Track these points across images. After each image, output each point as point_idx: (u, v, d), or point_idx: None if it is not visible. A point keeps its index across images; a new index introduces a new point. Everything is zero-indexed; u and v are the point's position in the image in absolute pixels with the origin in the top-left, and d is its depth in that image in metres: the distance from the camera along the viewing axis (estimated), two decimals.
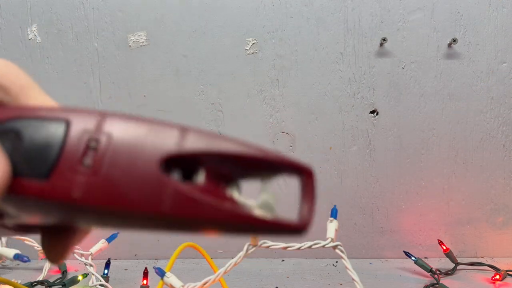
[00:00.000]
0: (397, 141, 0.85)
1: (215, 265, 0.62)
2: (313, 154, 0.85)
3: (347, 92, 0.85)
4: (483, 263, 0.79)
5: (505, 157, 0.85)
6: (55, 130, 0.16)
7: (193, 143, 0.16)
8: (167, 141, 0.16)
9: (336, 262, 0.84)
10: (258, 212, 0.16)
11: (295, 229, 0.16)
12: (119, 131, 0.16)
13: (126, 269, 0.81)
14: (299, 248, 0.55)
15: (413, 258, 0.75)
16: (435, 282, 0.70)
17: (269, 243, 0.55)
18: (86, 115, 0.17)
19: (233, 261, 0.54)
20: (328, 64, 0.84)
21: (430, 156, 0.85)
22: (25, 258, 0.61)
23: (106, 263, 0.72)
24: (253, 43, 0.84)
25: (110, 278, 0.72)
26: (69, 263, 0.78)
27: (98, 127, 0.16)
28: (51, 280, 0.70)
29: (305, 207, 0.17)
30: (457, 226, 0.87)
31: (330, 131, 0.85)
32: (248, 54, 0.84)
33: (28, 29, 0.84)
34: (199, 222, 0.16)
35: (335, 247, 0.55)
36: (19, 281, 0.68)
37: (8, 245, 0.69)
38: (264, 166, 0.17)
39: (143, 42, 0.84)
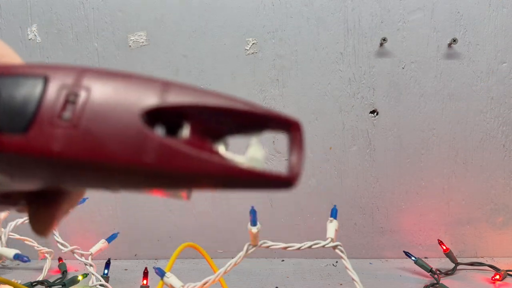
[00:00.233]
0: (397, 141, 0.85)
1: (215, 265, 0.62)
2: (313, 154, 0.85)
3: (347, 92, 0.85)
4: (483, 263, 0.79)
5: (505, 157, 0.85)
6: (33, 86, 0.16)
7: (177, 96, 0.16)
8: (149, 94, 0.16)
9: (336, 262, 0.84)
10: (246, 165, 0.16)
11: (284, 181, 0.16)
12: (100, 85, 0.16)
13: (126, 269, 0.81)
14: (299, 248, 0.55)
15: (413, 258, 0.75)
16: (435, 282, 0.70)
17: (269, 243, 0.55)
18: (65, 70, 0.16)
19: (233, 261, 0.54)
20: (328, 64, 0.84)
21: (430, 156, 0.85)
22: (25, 258, 0.61)
23: (106, 263, 0.72)
24: (253, 43, 0.84)
25: (110, 278, 0.72)
26: (69, 263, 0.78)
27: (77, 82, 0.16)
28: (51, 280, 0.70)
29: (294, 160, 0.16)
30: (457, 226, 0.87)
31: (330, 131, 0.85)
32: (248, 54, 0.84)
33: (28, 29, 0.84)
34: (184, 175, 0.15)
35: (335, 247, 0.55)
36: (19, 281, 0.68)
37: (8, 245, 0.69)
38: (251, 120, 0.17)
39: (143, 42, 0.84)
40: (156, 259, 0.87)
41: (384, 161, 0.85)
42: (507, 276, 0.74)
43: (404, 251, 0.77)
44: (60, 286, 0.68)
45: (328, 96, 0.85)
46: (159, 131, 0.16)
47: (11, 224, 0.69)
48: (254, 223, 0.54)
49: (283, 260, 0.87)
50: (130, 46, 0.84)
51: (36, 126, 0.15)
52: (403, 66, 0.84)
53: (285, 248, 0.55)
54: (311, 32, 0.84)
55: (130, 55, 0.84)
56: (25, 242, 0.74)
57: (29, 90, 0.16)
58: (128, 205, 0.87)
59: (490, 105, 0.84)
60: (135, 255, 0.88)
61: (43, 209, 0.19)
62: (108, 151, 0.15)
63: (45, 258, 0.76)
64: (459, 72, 0.84)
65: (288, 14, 0.83)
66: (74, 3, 0.83)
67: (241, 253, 0.54)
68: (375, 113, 0.85)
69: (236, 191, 0.16)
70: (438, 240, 0.80)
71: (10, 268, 0.81)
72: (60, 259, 0.77)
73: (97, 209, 0.87)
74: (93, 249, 0.71)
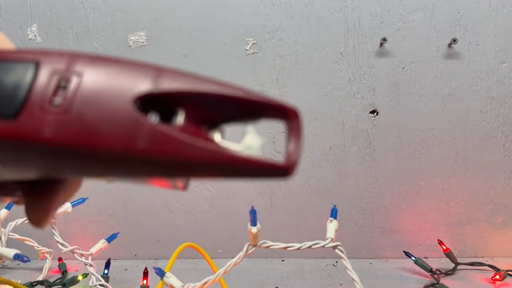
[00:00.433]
0: (397, 141, 0.85)
1: (215, 265, 0.62)
2: (313, 154, 0.85)
3: (347, 92, 0.85)
4: (483, 263, 0.79)
5: (505, 157, 0.85)
6: (24, 71, 0.16)
7: (170, 82, 0.16)
8: (143, 80, 0.16)
9: (336, 262, 0.84)
10: (242, 153, 0.15)
11: (281, 170, 0.15)
12: (91, 70, 0.16)
13: (126, 269, 0.81)
14: (299, 248, 0.55)
15: (413, 258, 0.75)
16: (435, 282, 0.70)
17: (269, 243, 0.55)
18: (57, 56, 0.16)
19: (233, 261, 0.54)
20: (328, 64, 0.84)
21: (430, 156, 0.85)
22: (25, 258, 0.61)
23: (106, 263, 0.72)
24: (253, 43, 0.84)
25: (110, 278, 0.72)
26: (69, 263, 0.78)
27: (69, 67, 0.16)
28: (51, 280, 0.70)
29: (292, 148, 0.16)
30: (457, 226, 0.87)
31: (330, 131, 0.85)
32: (248, 54, 0.84)
33: (28, 29, 0.84)
34: (178, 162, 0.15)
35: (335, 247, 0.55)
36: (19, 281, 0.68)
37: (8, 245, 0.69)
38: (247, 108, 0.16)
39: (143, 42, 0.84)
40: (156, 259, 0.87)
41: (384, 161, 0.85)
42: (507, 276, 0.74)
43: (404, 251, 0.77)
44: (60, 286, 0.68)
45: (328, 96, 0.85)
46: (153, 118, 0.15)
47: (11, 224, 0.69)
48: (254, 223, 0.54)
49: (283, 260, 0.87)
50: (130, 46, 0.84)
51: (27, 112, 0.15)
52: (403, 66, 0.84)
53: (285, 248, 0.55)
54: (311, 32, 0.84)
55: (130, 55, 0.84)
56: (25, 242, 0.74)
57: (20, 75, 0.16)
58: (128, 205, 0.87)
59: (490, 105, 0.84)
60: (135, 255, 0.88)
61: (39, 200, 0.19)
62: (99, 137, 0.15)
63: (45, 258, 0.76)
64: (459, 72, 0.84)
65: (288, 14, 0.83)
66: (74, 3, 0.83)
67: (241, 253, 0.54)
68: (375, 113, 0.85)
69: (232, 180, 0.16)
70: (438, 240, 0.80)
71: (10, 268, 0.81)
72: (60, 259, 0.77)
73: (97, 209, 0.87)
74: (93, 249, 0.71)
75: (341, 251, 0.55)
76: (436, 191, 0.86)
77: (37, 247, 0.75)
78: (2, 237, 0.69)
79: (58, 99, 0.15)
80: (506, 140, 0.85)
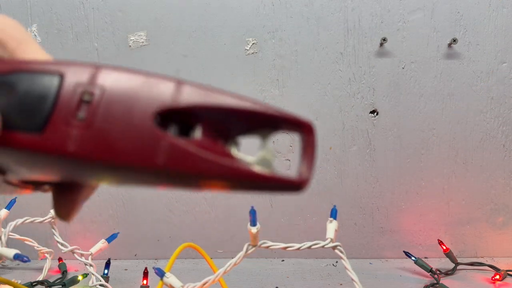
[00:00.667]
0: (397, 141, 0.85)
1: (214, 265, 0.62)
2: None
3: (347, 92, 0.84)
4: (483, 263, 0.79)
5: (505, 157, 0.85)
6: (49, 84, 0.16)
7: (189, 97, 0.16)
8: (162, 94, 0.16)
9: (336, 262, 0.84)
10: (257, 168, 0.16)
11: (294, 185, 0.16)
12: (113, 84, 0.16)
13: (126, 269, 0.81)
14: (298, 248, 0.55)
15: (413, 258, 0.75)
16: (435, 282, 0.70)
17: (269, 243, 0.55)
18: (80, 68, 0.16)
19: (232, 261, 0.54)
20: (328, 64, 0.84)
21: (430, 156, 0.85)
22: (25, 258, 0.61)
23: (106, 263, 0.72)
24: (253, 43, 0.84)
25: (110, 278, 0.72)
26: (69, 263, 0.78)
27: (92, 80, 0.16)
28: (51, 280, 0.70)
29: (305, 164, 0.16)
30: (457, 226, 0.87)
31: (330, 131, 0.85)
32: (248, 54, 0.84)
33: (28, 29, 0.84)
34: (195, 176, 0.15)
35: (334, 247, 0.55)
36: (19, 281, 0.68)
37: (8, 245, 0.69)
38: (263, 121, 0.16)
39: (143, 42, 0.84)
40: (156, 259, 0.87)
41: (384, 161, 0.85)
42: (507, 276, 0.74)
43: (404, 251, 0.77)
44: (60, 286, 0.68)
45: (328, 96, 0.85)
46: (172, 131, 0.16)
47: (11, 224, 0.69)
48: (253, 223, 0.54)
49: (283, 260, 0.87)
50: (130, 46, 0.84)
51: (52, 125, 0.16)
52: (403, 66, 0.84)
53: (285, 248, 0.55)
54: (311, 32, 0.84)
55: (130, 55, 0.84)
56: (25, 242, 0.74)
57: (45, 88, 0.16)
58: (128, 205, 0.87)
59: (490, 105, 0.84)
60: (135, 255, 0.88)
61: (65, 194, 0.20)
62: (120, 152, 0.15)
63: (45, 258, 0.76)
64: (459, 72, 0.84)
65: (288, 14, 0.83)
66: (74, 3, 0.83)
67: (241, 253, 0.54)
68: (375, 113, 0.85)
69: (246, 193, 0.17)
70: (438, 240, 0.80)
71: (10, 268, 0.81)
72: (60, 259, 0.77)
73: (97, 209, 0.87)
74: (93, 249, 0.71)
75: (341, 252, 0.55)
76: (436, 191, 0.86)
77: (37, 247, 0.75)
78: (2, 237, 0.69)
79: (81, 113, 0.16)
80: (506, 140, 0.85)
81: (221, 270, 0.53)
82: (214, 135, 0.16)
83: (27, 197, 0.80)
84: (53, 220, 0.69)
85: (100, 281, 0.66)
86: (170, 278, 0.53)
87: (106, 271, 0.71)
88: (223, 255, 0.87)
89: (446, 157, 0.85)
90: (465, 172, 0.85)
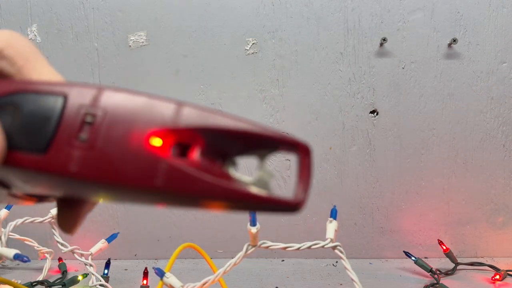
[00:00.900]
0: (397, 141, 0.85)
1: (214, 265, 0.62)
2: (313, 154, 0.85)
3: (347, 92, 0.84)
4: (483, 263, 0.79)
5: (505, 157, 0.85)
6: (53, 105, 0.16)
7: (188, 119, 0.16)
8: (162, 117, 0.16)
9: (336, 262, 0.84)
10: (253, 189, 0.16)
11: (290, 207, 0.16)
12: (115, 106, 0.16)
13: (126, 269, 0.81)
14: (298, 249, 0.55)
15: (413, 258, 0.75)
16: (435, 282, 0.70)
17: (268, 243, 0.55)
18: (83, 89, 0.17)
19: (232, 261, 0.54)
20: (328, 64, 0.84)
21: (430, 156, 0.85)
22: (25, 258, 0.61)
23: (106, 263, 0.72)
24: (253, 43, 0.84)
25: (110, 278, 0.72)
26: (69, 263, 0.78)
27: (95, 102, 0.17)
28: (51, 280, 0.70)
29: (301, 185, 0.17)
30: (457, 226, 0.87)
31: (330, 131, 0.85)
32: (248, 54, 0.84)
33: (28, 29, 0.84)
34: (193, 198, 0.16)
35: (334, 247, 0.55)
36: (19, 281, 0.68)
37: (8, 245, 0.69)
38: (261, 142, 0.17)
39: (143, 42, 0.84)
40: (156, 259, 0.87)
41: (384, 161, 0.85)
42: (507, 276, 0.74)
43: (404, 251, 0.77)
44: (60, 286, 0.68)
45: (328, 96, 0.85)
46: (171, 151, 0.16)
47: (11, 224, 0.69)
48: (253, 223, 0.54)
49: (283, 260, 0.87)
50: (130, 46, 0.84)
51: (55, 147, 0.16)
52: (403, 66, 0.84)
53: (285, 248, 0.55)
54: (311, 32, 0.84)
55: (130, 55, 0.84)
56: (25, 242, 0.74)
57: (49, 109, 0.16)
58: (128, 205, 0.87)
59: (490, 105, 0.84)
60: (135, 255, 0.88)
61: (69, 208, 0.20)
62: (120, 173, 0.16)
63: (45, 258, 0.76)
64: (459, 72, 0.84)
65: (288, 14, 0.83)
66: (74, 3, 0.83)
67: (241, 253, 0.54)
68: (375, 113, 0.85)
69: (243, 213, 0.17)
70: (438, 240, 0.80)
71: (10, 268, 0.81)
72: (60, 259, 0.77)
73: (97, 209, 0.87)
74: (93, 249, 0.71)
75: (341, 252, 0.55)
76: (436, 191, 0.86)
77: (37, 247, 0.75)
78: (2, 237, 0.69)
79: (83, 135, 0.16)
80: (506, 140, 0.85)
81: (221, 270, 0.53)
82: (212, 156, 0.17)
83: None
84: (53, 220, 0.69)
85: (100, 281, 0.66)
86: (170, 278, 0.53)
87: (106, 271, 0.71)
88: (223, 255, 0.87)
89: (446, 157, 0.85)
90: (465, 172, 0.85)
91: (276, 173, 0.85)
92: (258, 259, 0.86)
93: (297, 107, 0.85)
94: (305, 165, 0.17)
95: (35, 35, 0.84)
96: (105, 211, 0.87)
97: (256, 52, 0.84)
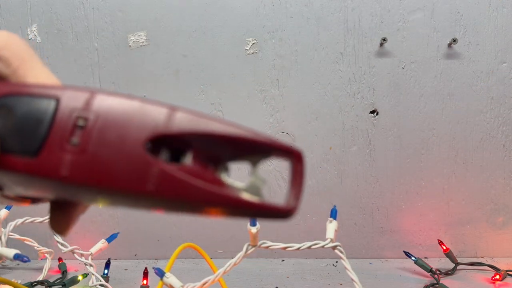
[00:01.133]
0: (397, 141, 0.85)
1: (214, 265, 0.62)
2: (313, 154, 0.85)
3: (347, 92, 0.84)
4: (483, 263, 0.79)
5: (505, 157, 0.85)
6: (45, 108, 0.16)
7: (181, 124, 0.16)
8: (154, 121, 0.16)
9: (336, 262, 0.84)
10: (246, 195, 0.16)
11: (281, 213, 0.16)
12: (107, 110, 0.16)
13: (126, 269, 0.81)
14: (298, 249, 0.55)
15: (413, 258, 0.75)
16: (435, 282, 0.70)
17: (268, 243, 0.55)
18: (76, 93, 0.17)
19: (232, 261, 0.54)
20: (328, 64, 0.84)
21: (430, 156, 0.85)
22: (25, 258, 0.61)
23: (106, 263, 0.72)
24: (253, 43, 0.84)
25: (110, 278, 0.72)
26: (69, 263, 0.78)
27: (87, 105, 0.16)
28: (51, 280, 0.70)
29: (293, 192, 0.17)
30: (457, 226, 0.87)
31: (330, 131, 0.85)
32: (248, 54, 0.84)
33: (28, 29, 0.84)
34: (184, 203, 0.16)
35: (334, 247, 0.55)
36: (19, 281, 0.68)
37: (8, 245, 0.69)
38: (254, 148, 0.17)
39: (143, 42, 0.84)
40: (156, 259, 0.87)
41: (384, 161, 0.85)
42: (507, 276, 0.74)
43: (404, 251, 0.77)
44: (60, 286, 0.68)
45: (328, 96, 0.85)
46: (163, 156, 0.16)
47: (11, 224, 0.69)
48: (253, 223, 0.54)
49: (283, 260, 0.87)
50: (130, 46, 0.84)
51: (47, 150, 0.16)
52: (403, 66, 0.84)
53: (285, 248, 0.55)
54: (311, 32, 0.84)
55: (130, 55, 0.84)
56: (25, 242, 0.74)
57: (41, 112, 0.16)
58: None
59: (490, 105, 0.84)
60: (135, 255, 0.88)
61: (61, 209, 0.20)
62: (112, 178, 0.16)
63: (45, 258, 0.76)
64: (459, 72, 0.84)
65: (288, 14, 0.83)
66: (74, 3, 0.83)
67: (241, 253, 0.54)
68: (375, 113, 0.85)
69: (236, 219, 0.17)
70: (438, 240, 0.80)
71: (10, 268, 0.81)
72: (60, 259, 0.77)
73: (97, 209, 0.87)
74: (93, 249, 0.71)
75: (341, 252, 0.55)
76: (436, 191, 0.86)
77: (37, 247, 0.75)
78: (2, 237, 0.69)
79: (75, 139, 0.16)
80: (506, 140, 0.85)
81: (221, 270, 0.53)
82: (204, 161, 0.17)
83: None
84: None
85: (100, 281, 0.66)
86: (170, 278, 0.53)
87: (106, 271, 0.71)
88: (223, 255, 0.87)
89: (446, 157, 0.85)
90: (465, 172, 0.85)
91: (276, 173, 0.85)
92: (258, 259, 0.86)
93: (297, 107, 0.85)
94: (298, 172, 0.17)
95: (35, 35, 0.84)
96: (105, 211, 0.87)
97: (256, 52, 0.84)
